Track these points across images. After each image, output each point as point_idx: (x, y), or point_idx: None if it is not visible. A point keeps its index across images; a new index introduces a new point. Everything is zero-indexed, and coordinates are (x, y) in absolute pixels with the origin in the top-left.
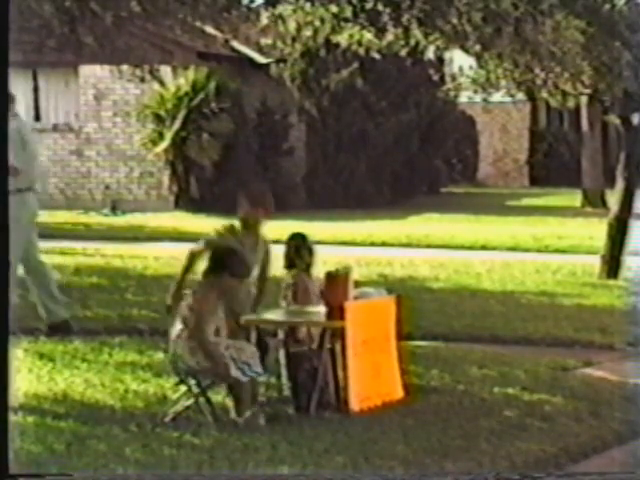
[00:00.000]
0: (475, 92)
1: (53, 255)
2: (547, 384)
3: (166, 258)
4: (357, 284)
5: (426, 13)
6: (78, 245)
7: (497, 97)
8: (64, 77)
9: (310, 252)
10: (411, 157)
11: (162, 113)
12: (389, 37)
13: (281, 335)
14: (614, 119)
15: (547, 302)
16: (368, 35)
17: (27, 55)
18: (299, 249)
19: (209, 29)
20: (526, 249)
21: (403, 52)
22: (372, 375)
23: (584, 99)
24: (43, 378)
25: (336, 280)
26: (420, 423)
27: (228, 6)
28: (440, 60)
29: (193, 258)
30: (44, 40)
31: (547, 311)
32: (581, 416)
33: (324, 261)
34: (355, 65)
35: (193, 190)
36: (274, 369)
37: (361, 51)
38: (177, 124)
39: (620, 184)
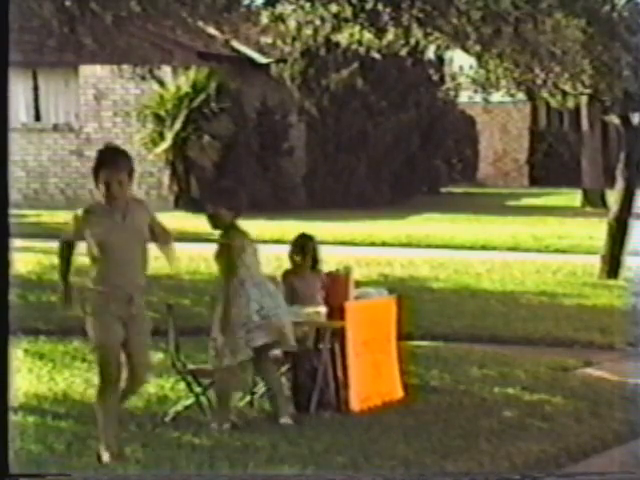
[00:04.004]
0: (475, 92)
1: (53, 255)
2: (547, 384)
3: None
4: (357, 284)
5: (426, 13)
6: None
7: (497, 97)
8: (64, 77)
9: (310, 252)
10: (411, 157)
11: (162, 113)
12: (389, 37)
13: None
14: (614, 119)
15: (547, 302)
16: (368, 35)
17: (27, 55)
18: (301, 249)
19: (209, 29)
20: (526, 249)
21: (403, 52)
22: (372, 375)
23: (584, 99)
24: (43, 378)
25: (336, 280)
26: (420, 423)
27: (228, 6)
28: (440, 60)
29: None
30: (44, 40)
31: (547, 311)
32: (581, 416)
33: (324, 261)
34: (355, 65)
35: (193, 190)
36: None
37: (361, 51)
38: (177, 124)
39: (620, 184)
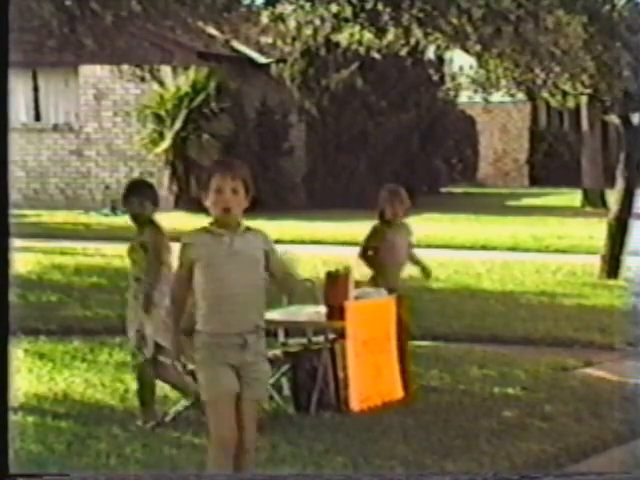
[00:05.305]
0: (475, 92)
1: (53, 255)
2: (547, 384)
3: None
4: (357, 284)
5: (426, 13)
6: (78, 245)
7: (497, 97)
8: (64, 77)
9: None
10: (411, 157)
11: (162, 113)
12: (389, 37)
13: (281, 335)
14: (614, 119)
15: (547, 302)
16: (368, 35)
17: (27, 55)
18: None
19: (209, 29)
20: (526, 249)
21: (403, 52)
22: (373, 375)
23: (584, 99)
24: (43, 378)
25: (336, 280)
26: (420, 423)
27: (228, 6)
28: (440, 60)
29: None
30: (44, 40)
31: (547, 311)
32: (581, 416)
33: (324, 261)
34: (355, 65)
35: (193, 190)
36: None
37: (361, 51)
38: (177, 124)
39: (620, 184)
